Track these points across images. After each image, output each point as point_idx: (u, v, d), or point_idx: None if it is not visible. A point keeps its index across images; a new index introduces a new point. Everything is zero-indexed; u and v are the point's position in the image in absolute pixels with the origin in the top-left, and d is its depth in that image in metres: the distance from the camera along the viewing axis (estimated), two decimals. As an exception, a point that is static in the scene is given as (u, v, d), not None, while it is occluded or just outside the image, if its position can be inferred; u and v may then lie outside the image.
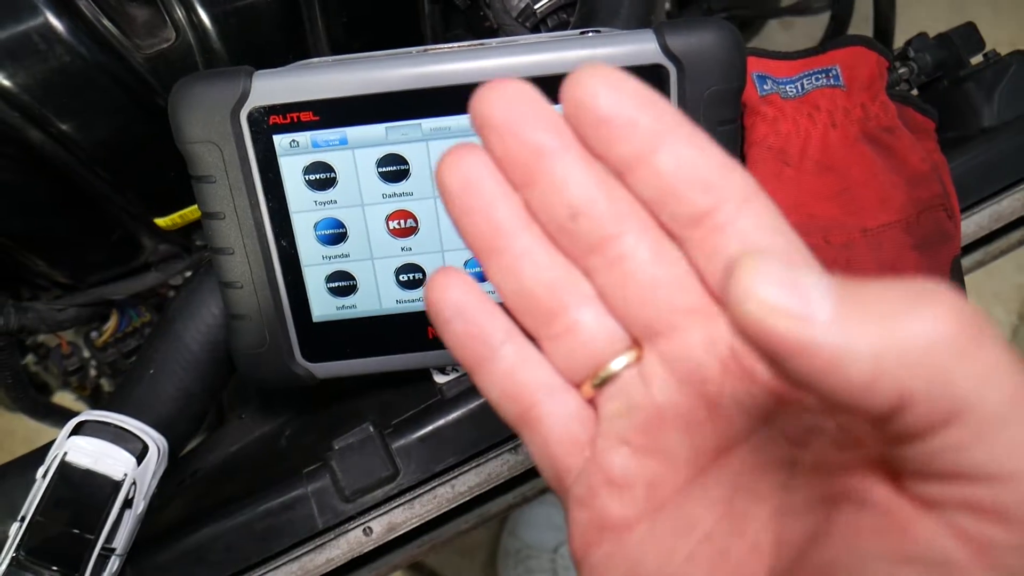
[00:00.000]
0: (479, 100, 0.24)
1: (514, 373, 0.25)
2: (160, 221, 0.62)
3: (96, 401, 0.76)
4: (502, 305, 0.26)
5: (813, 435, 0.23)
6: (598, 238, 0.23)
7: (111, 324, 0.64)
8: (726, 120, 0.46)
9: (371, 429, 0.52)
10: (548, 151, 0.23)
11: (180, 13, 0.53)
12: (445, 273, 0.26)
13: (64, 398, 0.79)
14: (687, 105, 0.46)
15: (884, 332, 0.18)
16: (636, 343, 0.25)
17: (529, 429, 0.26)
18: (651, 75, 0.45)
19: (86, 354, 0.66)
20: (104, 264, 0.65)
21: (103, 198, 0.60)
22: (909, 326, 0.18)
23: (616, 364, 0.25)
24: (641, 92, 0.22)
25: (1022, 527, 0.18)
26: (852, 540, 0.21)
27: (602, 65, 0.23)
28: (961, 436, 0.18)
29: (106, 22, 0.52)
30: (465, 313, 0.25)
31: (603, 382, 0.25)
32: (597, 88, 0.22)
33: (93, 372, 0.68)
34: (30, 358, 0.74)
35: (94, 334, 0.65)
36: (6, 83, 0.50)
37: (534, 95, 0.24)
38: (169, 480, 0.60)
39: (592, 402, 0.26)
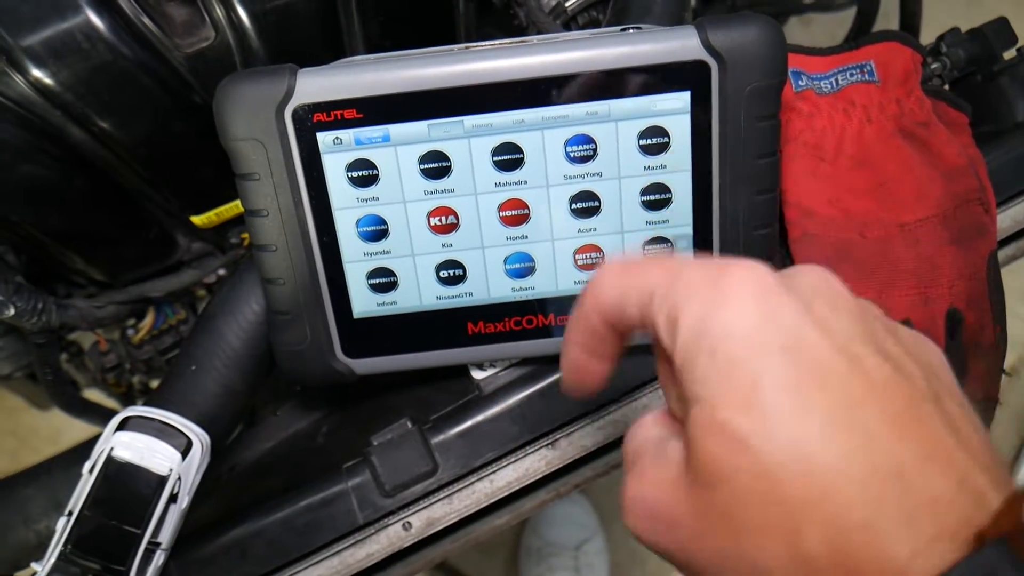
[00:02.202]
0: None
1: None
2: (196, 219, 0.62)
3: (128, 398, 0.76)
4: None
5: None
6: None
7: (147, 321, 0.65)
8: (767, 116, 0.46)
9: (409, 425, 0.52)
10: None
11: (219, 12, 0.53)
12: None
13: (91, 396, 0.80)
14: (728, 101, 0.46)
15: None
16: None
17: None
18: (693, 71, 0.45)
19: (122, 351, 0.67)
20: (140, 262, 0.65)
21: (141, 196, 0.61)
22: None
23: None
24: None
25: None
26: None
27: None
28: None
29: (146, 20, 0.52)
30: None
31: None
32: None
33: (130, 366, 0.69)
34: (63, 356, 0.75)
35: (130, 331, 0.65)
36: (48, 81, 0.51)
37: None
38: (206, 476, 0.60)
39: None
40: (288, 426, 0.61)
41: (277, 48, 0.55)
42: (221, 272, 0.66)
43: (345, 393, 0.60)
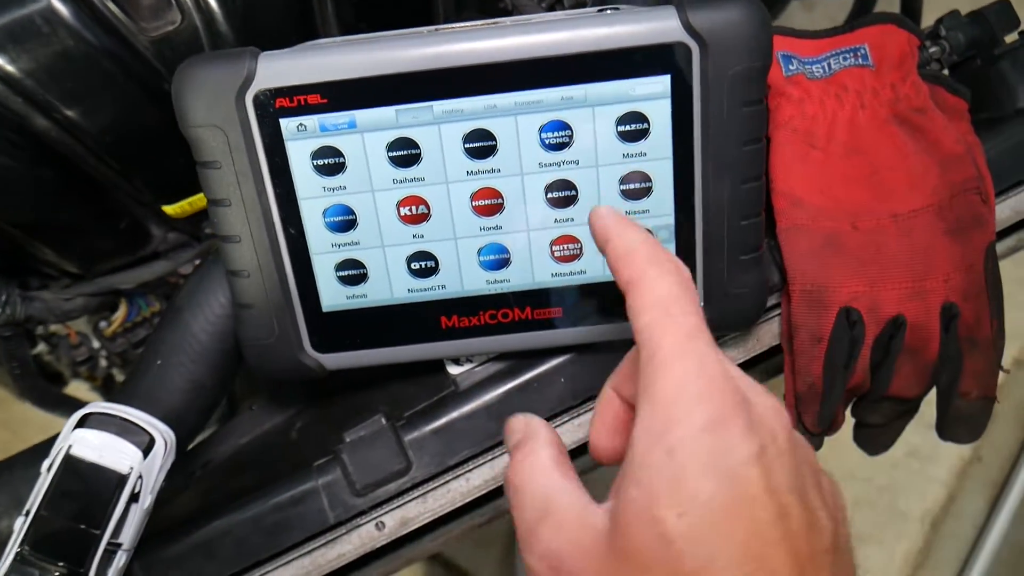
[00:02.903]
0: None
1: None
2: (169, 209, 0.61)
3: (108, 391, 0.75)
4: None
5: None
6: None
7: (120, 314, 0.63)
8: (751, 101, 0.44)
9: (383, 421, 0.50)
10: None
11: (186, -6, 0.52)
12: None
13: (79, 388, 0.79)
14: (710, 84, 0.44)
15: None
16: None
17: None
18: (673, 54, 0.43)
19: (96, 344, 0.65)
20: (113, 253, 0.64)
21: (111, 186, 0.59)
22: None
23: None
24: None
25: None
26: None
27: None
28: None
29: (110, 4, 0.51)
30: None
31: None
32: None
33: (104, 363, 0.67)
34: (43, 347, 0.74)
35: (103, 324, 0.64)
36: (9, 68, 0.49)
37: None
38: (179, 473, 0.59)
39: None
40: (263, 421, 0.59)
41: (246, 32, 0.53)
42: (197, 263, 0.64)
43: (319, 388, 0.58)
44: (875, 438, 0.59)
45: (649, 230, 0.46)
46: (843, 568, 0.31)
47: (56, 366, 0.75)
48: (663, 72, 0.44)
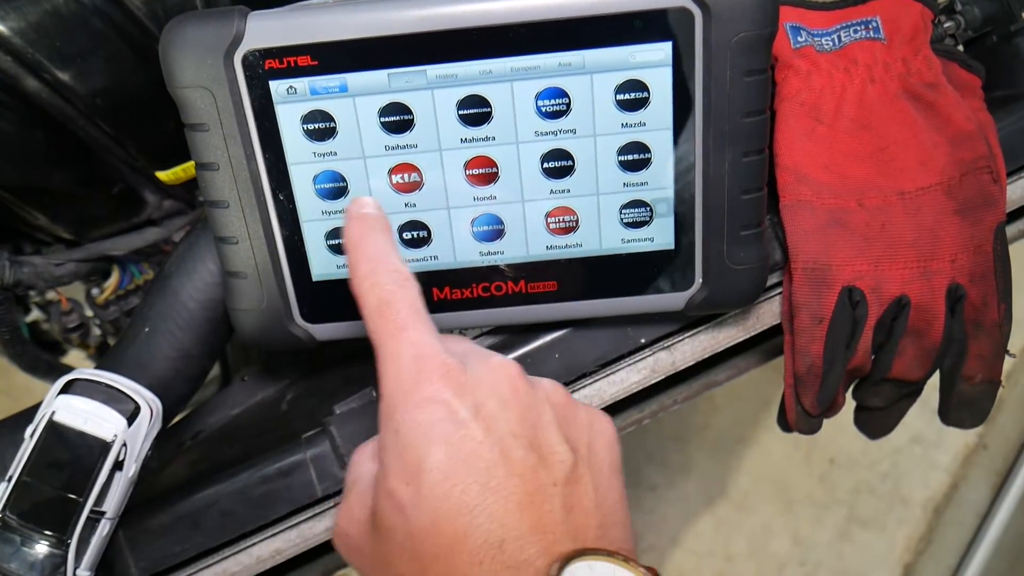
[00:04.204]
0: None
1: None
2: (162, 175, 0.60)
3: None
4: None
5: None
6: None
7: (112, 281, 0.62)
8: (755, 70, 0.43)
9: (373, 394, 0.50)
10: None
11: (179, -47, 0.50)
12: None
13: (76, 358, 0.78)
14: (713, 52, 0.42)
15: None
16: None
17: None
18: (675, 20, 0.42)
19: (88, 312, 0.65)
20: (106, 219, 0.63)
21: (103, 150, 0.58)
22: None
23: None
24: None
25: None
26: None
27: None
28: None
29: (102, -37, 0.49)
30: None
31: None
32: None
33: (97, 331, 0.67)
34: (38, 314, 0.73)
35: (95, 291, 0.63)
36: (-2, 26, 0.48)
37: None
38: (169, 442, 0.58)
39: None
40: (255, 392, 0.58)
41: (240, -8, 0.52)
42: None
43: (312, 359, 0.57)
44: (876, 421, 0.58)
45: (648, 203, 0.45)
46: (581, 496, 0.34)
47: (52, 334, 0.74)
48: (664, 39, 0.42)
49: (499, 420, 0.34)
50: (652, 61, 0.43)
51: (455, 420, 0.33)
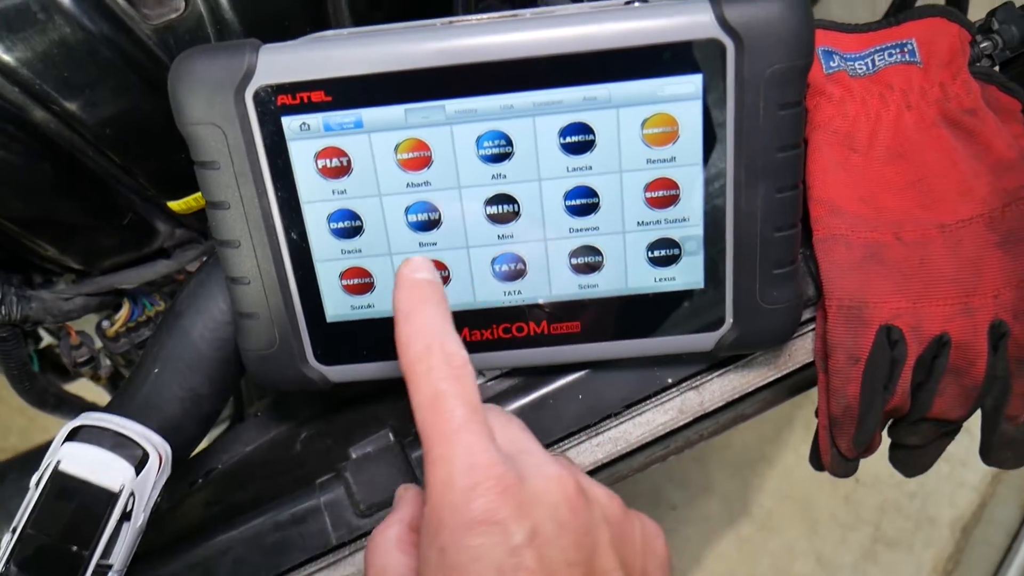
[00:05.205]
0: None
1: None
2: (173, 205, 0.58)
3: (116, 389, 0.73)
4: None
5: None
6: None
7: (123, 314, 0.61)
8: (790, 103, 0.41)
9: (391, 437, 0.48)
10: None
11: (190, -19, 0.49)
12: None
13: (86, 385, 0.77)
14: (745, 85, 0.40)
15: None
16: None
17: None
18: (706, 51, 0.40)
19: (98, 344, 0.63)
20: (117, 249, 0.61)
21: (112, 180, 0.57)
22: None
23: None
24: None
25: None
26: None
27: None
28: None
29: (112, -9, 0.48)
30: None
31: None
32: None
33: (107, 362, 0.65)
34: (51, 340, 0.72)
35: (106, 323, 0.61)
36: (4, 57, 0.47)
37: None
38: (181, 481, 0.57)
39: None
40: (268, 430, 0.57)
41: (253, 20, 0.50)
42: (203, 261, 0.61)
43: (327, 397, 0.56)
44: (913, 459, 0.55)
45: (677, 241, 0.43)
46: None
47: (65, 362, 0.73)
48: (694, 71, 0.40)
49: (555, 547, 0.30)
50: (681, 94, 0.41)
51: (508, 546, 0.30)
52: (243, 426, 0.58)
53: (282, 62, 0.40)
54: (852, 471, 0.51)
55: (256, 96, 0.41)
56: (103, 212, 0.58)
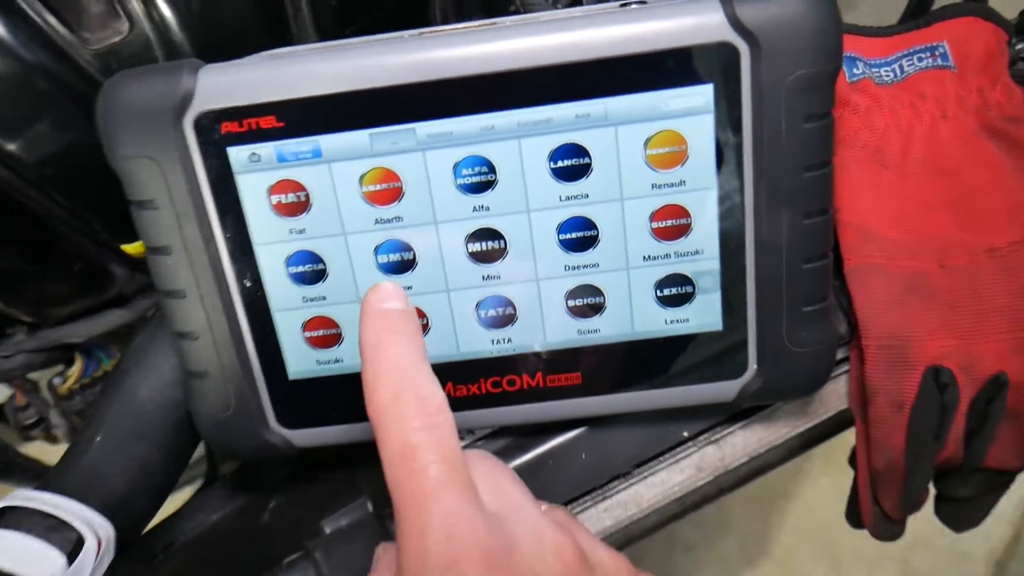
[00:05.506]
0: None
1: None
2: (128, 248, 0.53)
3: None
4: None
5: None
6: None
7: (75, 370, 0.55)
8: (816, 114, 0.35)
9: (368, 507, 0.42)
10: None
11: (135, 1, 0.44)
12: None
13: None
14: (764, 95, 0.34)
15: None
16: None
17: None
18: (717, 57, 0.34)
19: (51, 402, 0.57)
20: (69, 298, 0.56)
21: (59, 223, 0.51)
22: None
23: None
24: None
25: None
26: None
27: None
28: None
29: (47, 15, 0.43)
30: None
31: None
32: None
33: (61, 420, 0.59)
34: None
35: (57, 380, 0.56)
36: (-75, 92, 0.42)
37: None
38: (139, 557, 0.51)
39: None
40: (235, 496, 0.50)
41: (206, 42, 0.45)
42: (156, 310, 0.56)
43: (297, 460, 0.50)
44: (963, 514, 0.49)
45: (689, 277, 0.37)
46: None
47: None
48: (704, 80, 0.34)
49: None
50: (690, 108, 0.35)
51: None
52: (211, 491, 0.52)
53: (226, 83, 0.35)
54: (899, 534, 0.45)
55: (197, 123, 0.35)
56: (50, 258, 0.53)
